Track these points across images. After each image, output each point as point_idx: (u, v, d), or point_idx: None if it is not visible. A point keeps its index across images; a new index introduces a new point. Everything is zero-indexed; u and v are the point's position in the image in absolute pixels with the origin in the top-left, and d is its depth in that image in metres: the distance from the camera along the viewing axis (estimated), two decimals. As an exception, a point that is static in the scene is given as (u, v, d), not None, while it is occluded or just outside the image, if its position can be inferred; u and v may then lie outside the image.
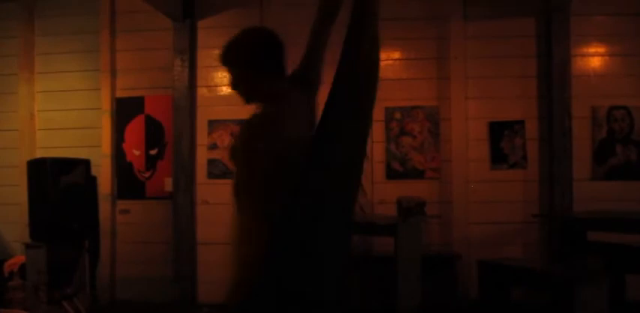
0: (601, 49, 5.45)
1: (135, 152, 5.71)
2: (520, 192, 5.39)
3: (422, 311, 4.27)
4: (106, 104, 5.74)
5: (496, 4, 5.50)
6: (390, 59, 5.59)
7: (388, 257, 4.51)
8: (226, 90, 5.65)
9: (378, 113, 5.50)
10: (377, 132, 5.50)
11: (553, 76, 5.29)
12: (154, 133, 5.72)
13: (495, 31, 5.50)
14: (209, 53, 5.60)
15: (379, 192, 5.46)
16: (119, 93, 5.78)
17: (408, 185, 5.40)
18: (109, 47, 5.76)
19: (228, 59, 2.07)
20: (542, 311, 4.66)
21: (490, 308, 4.45)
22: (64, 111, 5.86)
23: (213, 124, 5.64)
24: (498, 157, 5.42)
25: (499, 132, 5.43)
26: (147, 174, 5.69)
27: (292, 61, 2.19)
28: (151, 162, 5.69)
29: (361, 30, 1.95)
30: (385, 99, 5.49)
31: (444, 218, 5.39)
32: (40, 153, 5.64)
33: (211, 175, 5.62)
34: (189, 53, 5.60)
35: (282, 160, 1.89)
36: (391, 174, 5.49)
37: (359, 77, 1.96)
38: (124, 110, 5.76)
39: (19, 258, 4.98)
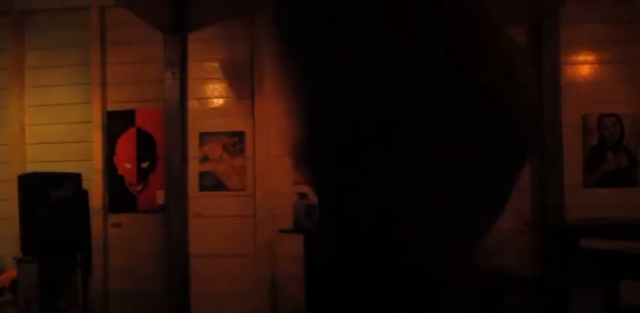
0: (591, 57, 5.46)
1: (126, 165, 5.69)
2: (511, 199, 5.36)
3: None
4: (97, 117, 5.73)
5: (485, 13, 5.51)
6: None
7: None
8: (217, 102, 5.66)
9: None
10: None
11: (543, 84, 5.30)
12: (145, 146, 5.70)
13: (485, 39, 5.50)
14: (200, 66, 5.62)
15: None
16: (110, 107, 5.77)
17: (401, 194, 5.38)
18: (100, 60, 5.76)
19: None
20: (536, 319, 4.64)
21: (484, 317, 4.43)
22: (55, 125, 5.85)
23: (204, 137, 5.63)
24: (490, 165, 5.40)
25: (490, 140, 5.41)
26: (139, 187, 5.67)
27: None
28: (142, 175, 5.68)
29: None
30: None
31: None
32: (31, 168, 5.62)
33: (203, 188, 5.60)
34: (180, 66, 5.60)
35: None
36: (383, 184, 5.47)
37: None
38: (115, 123, 5.74)
39: (11, 273, 4.96)
